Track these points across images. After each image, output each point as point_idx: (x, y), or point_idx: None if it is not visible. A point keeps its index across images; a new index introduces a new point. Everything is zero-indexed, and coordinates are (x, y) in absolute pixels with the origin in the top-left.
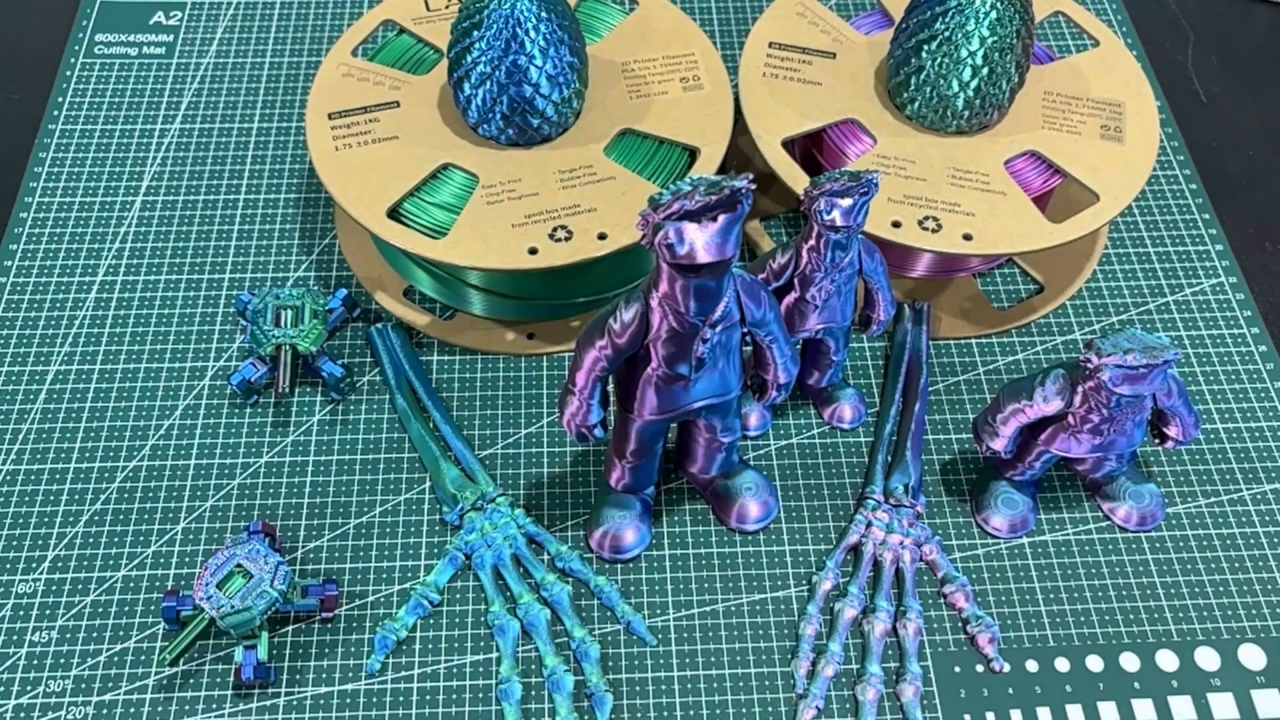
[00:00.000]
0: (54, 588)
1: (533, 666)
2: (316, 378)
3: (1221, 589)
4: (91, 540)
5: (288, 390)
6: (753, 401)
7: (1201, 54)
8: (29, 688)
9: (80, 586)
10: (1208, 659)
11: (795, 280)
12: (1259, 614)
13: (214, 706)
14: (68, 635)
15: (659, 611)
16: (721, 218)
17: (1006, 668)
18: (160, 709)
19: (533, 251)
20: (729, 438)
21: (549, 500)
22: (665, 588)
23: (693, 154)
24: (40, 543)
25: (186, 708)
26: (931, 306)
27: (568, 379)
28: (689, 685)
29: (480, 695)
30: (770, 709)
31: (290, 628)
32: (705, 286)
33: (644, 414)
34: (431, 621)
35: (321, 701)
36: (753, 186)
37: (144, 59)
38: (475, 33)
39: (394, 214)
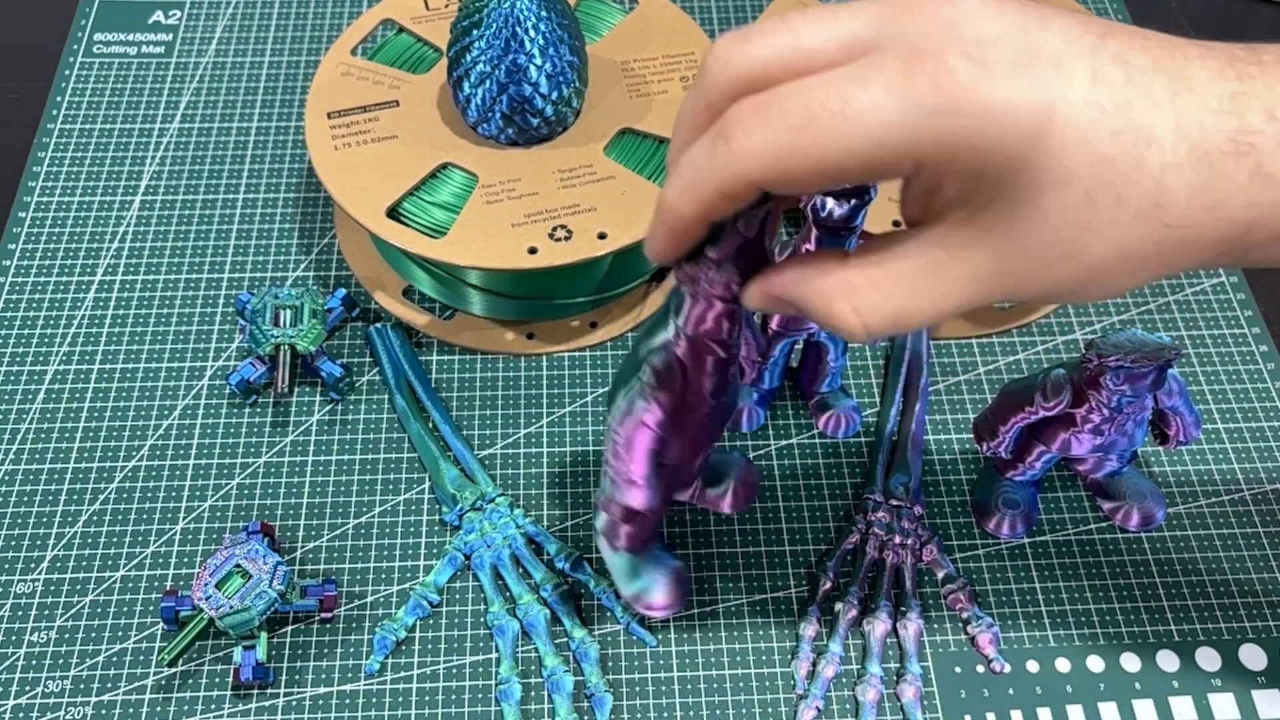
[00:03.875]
0: (53, 588)
1: (532, 667)
2: (316, 377)
3: (1222, 589)
4: (90, 540)
5: (287, 390)
6: (747, 398)
7: None
8: (28, 688)
9: (79, 587)
10: (1208, 659)
11: None
12: (1259, 614)
13: (213, 707)
14: (66, 635)
15: None
16: (759, 224)
17: (1007, 668)
18: (159, 709)
19: (532, 251)
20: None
21: (549, 500)
22: None
23: None
24: (39, 543)
25: (185, 708)
26: None
27: (624, 475)
28: (689, 685)
29: (480, 695)
30: (770, 709)
31: (289, 628)
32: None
33: (674, 458)
34: (431, 622)
35: (320, 702)
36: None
37: (143, 58)
38: (475, 32)
39: (393, 213)
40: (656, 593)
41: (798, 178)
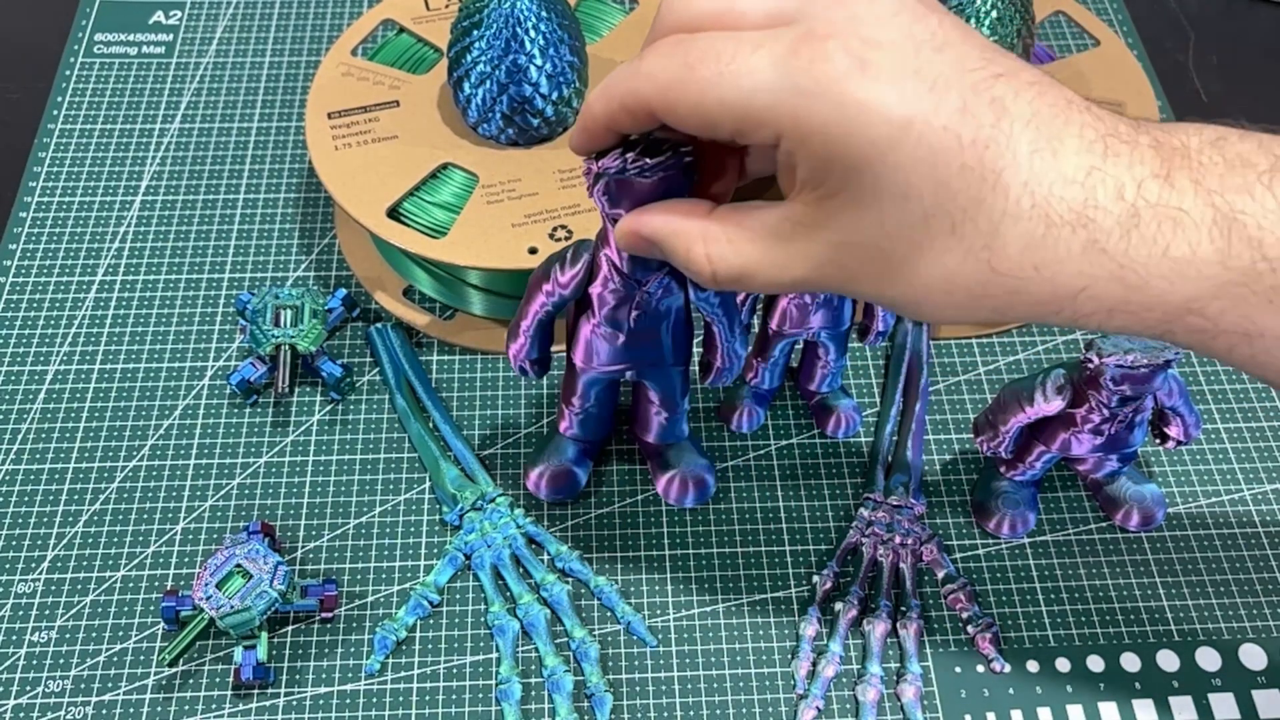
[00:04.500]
0: (53, 588)
1: (532, 667)
2: (316, 378)
3: (1222, 589)
4: (91, 540)
5: (287, 390)
6: (747, 398)
7: (1202, 54)
8: (28, 688)
9: (79, 586)
10: (1208, 659)
11: None
12: (1260, 614)
13: (213, 707)
14: (67, 635)
15: (659, 612)
16: (658, 178)
17: (1007, 668)
18: (159, 709)
19: (533, 251)
20: (669, 410)
21: (547, 500)
22: (665, 588)
23: None
24: (40, 543)
25: (186, 708)
26: None
27: (517, 314)
28: (689, 685)
29: (480, 695)
30: (770, 709)
31: (290, 628)
32: None
33: (581, 363)
34: (431, 621)
35: (321, 702)
36: (689, 157)
37: (143, 58)
38: (475, 32)
39: (394, 213)
40: (532, 471)
41: (679, 112)
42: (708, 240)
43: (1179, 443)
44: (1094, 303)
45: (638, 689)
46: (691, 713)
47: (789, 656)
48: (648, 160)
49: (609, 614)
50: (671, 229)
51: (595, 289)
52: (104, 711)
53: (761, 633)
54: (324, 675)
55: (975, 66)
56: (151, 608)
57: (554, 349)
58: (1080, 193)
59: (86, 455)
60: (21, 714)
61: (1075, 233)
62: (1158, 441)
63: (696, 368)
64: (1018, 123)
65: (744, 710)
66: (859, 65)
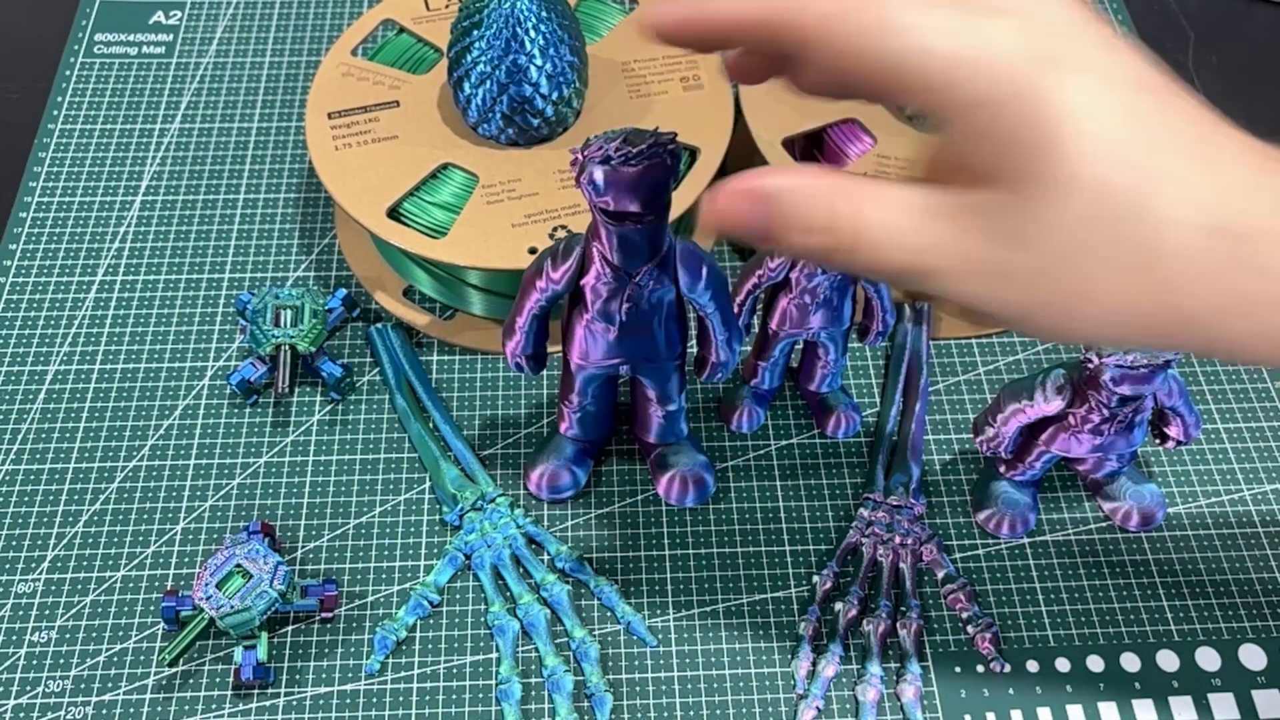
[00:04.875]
0: (53, 588)
1: (532, 667)
2: (316, 378)
3: (1222, 589)
4: (91, 540)
5: (287, 390)
6: (747, 398)
7: (1201, 54)
8: (28, 688)
9: (80, 586)
10: (1208, 659)
11: (790, 277)
12: (1259, 614)
13: (213, 707)
14: (67, 635)
15: (659, 612)
16: (642, 167)
17: (1007, 668)
18: (160, 709)
19: (533, 251)
20: (666, 407)
21: (549, 500)
22: (665, 588)
23: (693, 154)
24: (40, 543)
25: (186, 708)
26: (932, 306)
27: (512, 310)
28: (689, 685)
29: (480, 695)
30: (770, 709)
31: (290, 628)
32: (629, 238)
33: (576, 359)
34: (431, 621)
35: (321, 702)
36: (673, 145)
37: (144, 58)
38: (475, 32)
39: (394, 214)
40: (533, 471)
41: (834, 47)
42: (853, 197)
43: (1179, 443)
44: (1248, 322)
45: (638, 689)
46: (691, 713)
47: (789, 656)
48: (631, 149)
49: (609, 614)
50: (803, 183)
51: (587, 281)
52: (104, 711)
53: (761, 633)
54: (324, 675)
55: (1147, 91)
56: (151, 608)
57: (551, 349)
58: (1241, 202)
59: (86, 455)
60: (21, 714)
61: (1240, 244)
62: (1158, 441)
63: (692, 365)
64: (1180, 134)
65: (744, 710)
66: (1049, 63)
